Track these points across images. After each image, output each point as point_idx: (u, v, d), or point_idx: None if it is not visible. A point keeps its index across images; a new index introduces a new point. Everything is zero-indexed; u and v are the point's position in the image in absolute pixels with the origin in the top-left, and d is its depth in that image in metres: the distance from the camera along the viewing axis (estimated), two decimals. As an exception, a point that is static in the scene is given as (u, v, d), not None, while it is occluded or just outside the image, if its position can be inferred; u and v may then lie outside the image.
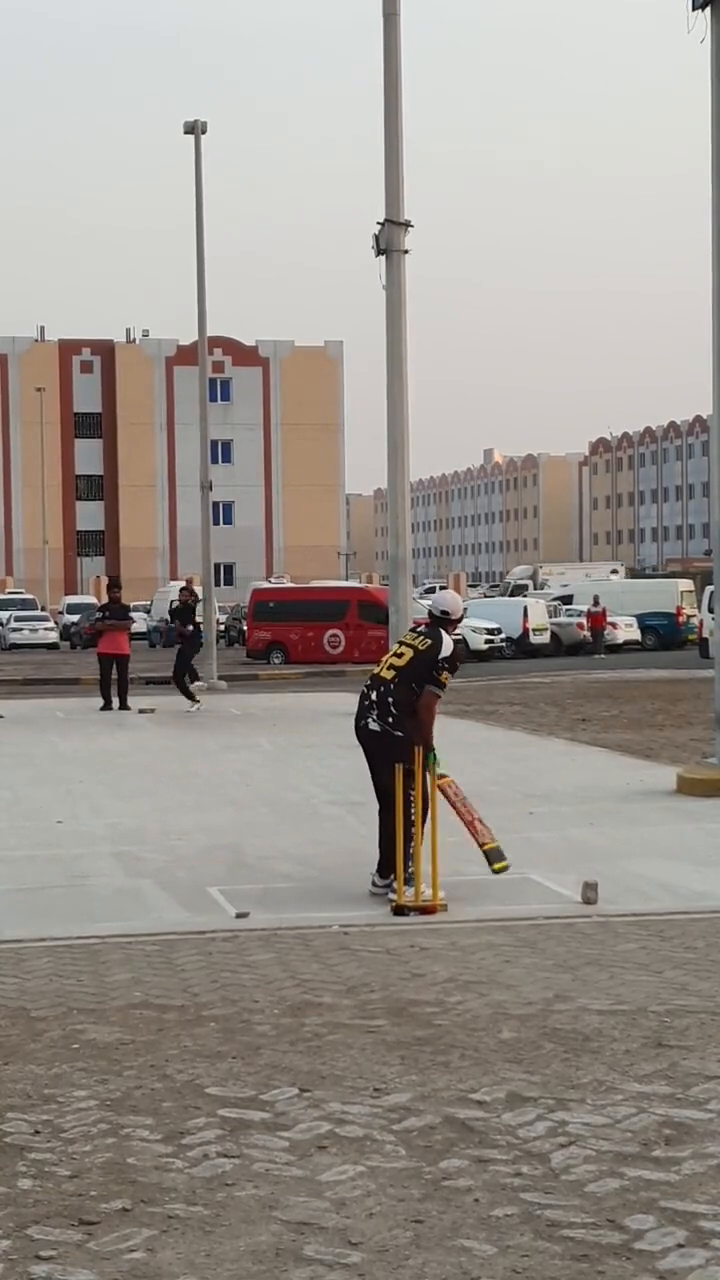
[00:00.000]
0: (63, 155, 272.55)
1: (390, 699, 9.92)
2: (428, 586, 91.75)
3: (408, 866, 9.71)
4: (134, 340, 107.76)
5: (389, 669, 10.03)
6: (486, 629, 45.76)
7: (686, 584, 55.91)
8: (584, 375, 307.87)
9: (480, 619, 46.46)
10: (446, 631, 10.11)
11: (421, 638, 10.11)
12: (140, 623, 67.78)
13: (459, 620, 10.30)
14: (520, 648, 47.28)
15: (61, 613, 68.75)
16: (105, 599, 28.72)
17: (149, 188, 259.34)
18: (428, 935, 8.87)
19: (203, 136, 35.22)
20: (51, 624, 61.94)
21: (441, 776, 9.93)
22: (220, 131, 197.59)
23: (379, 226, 24.28)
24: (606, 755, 18.01)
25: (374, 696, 10.00)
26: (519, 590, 69.28)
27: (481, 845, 10.01)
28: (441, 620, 10.20)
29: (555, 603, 55.74)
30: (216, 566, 44.31)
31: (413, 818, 9.76)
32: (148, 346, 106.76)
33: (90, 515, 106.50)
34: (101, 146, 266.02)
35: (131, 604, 42.74)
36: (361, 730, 10.10)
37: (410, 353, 24.62)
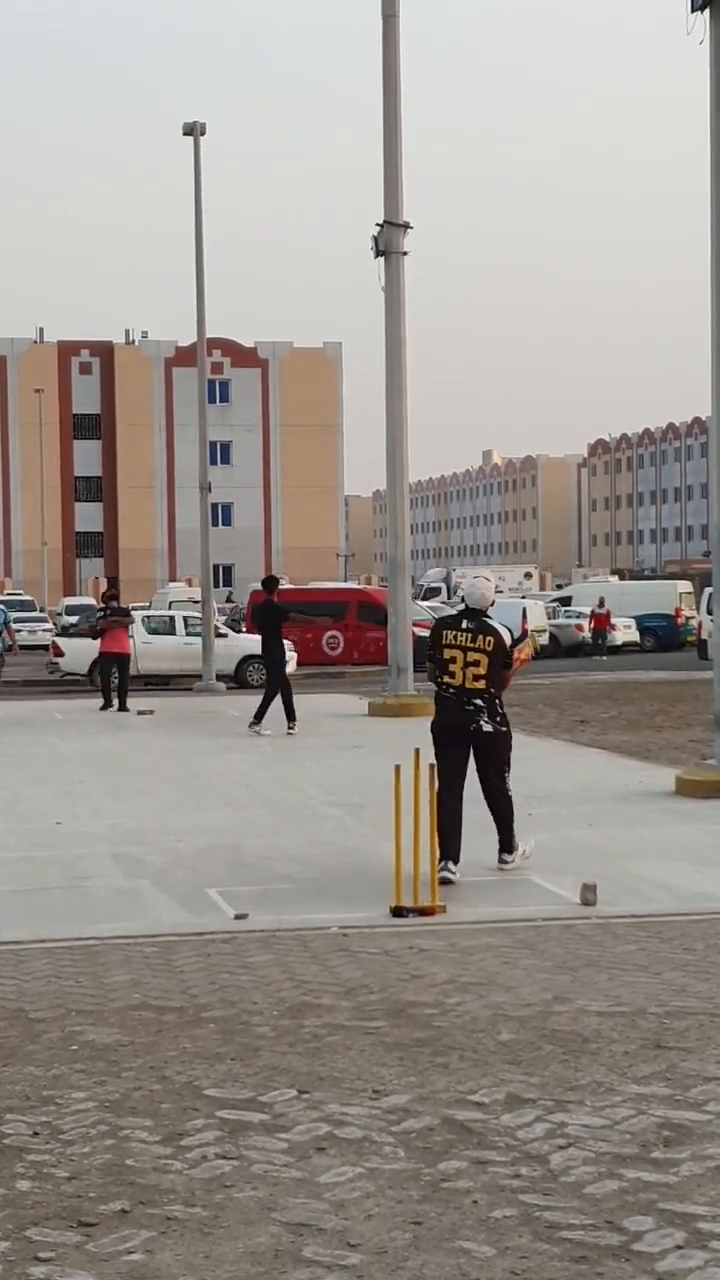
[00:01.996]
0: (63, 155, 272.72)
1: (497, 700, 10.83)
2: (427, 587, 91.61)
3: (512, 838, 10.91)
4: (133, 341, 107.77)
5: (474, 679, 10.70)
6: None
7: (685, 585, 55.91)
8: (583, 376, 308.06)
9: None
10: (488, 618, 10.93)
11: (482, 637, 10.75)
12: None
13: (493, 602, 11.14)
14: (519, 649, 47.22)
15: (60, 614, 68.71)
16: (101, 601, 28.55)
17: (149, 188, 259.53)
18: (426, 937, 8.86)
19: (202, 137, 35.24)
20: (50, 625, 61.88)
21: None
22: (220, 131, 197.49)
23: (378, 228, 24.34)
24: (605, 756, 18.01)
25: (479, 703, 10.72)
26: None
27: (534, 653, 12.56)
28: (480, 612, 10.94)
29: (554, 604, 55.73)
30: (215, 568, 44.23)
31: (511, 796, 10.93)
32: (147, 348, 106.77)
33: (89, 516, 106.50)
34: (101, 146, 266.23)
35: (130, 605, 42.71)
36: (474, 732, 10.77)
37: (410, 353, 24.67)
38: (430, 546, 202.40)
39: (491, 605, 11.05)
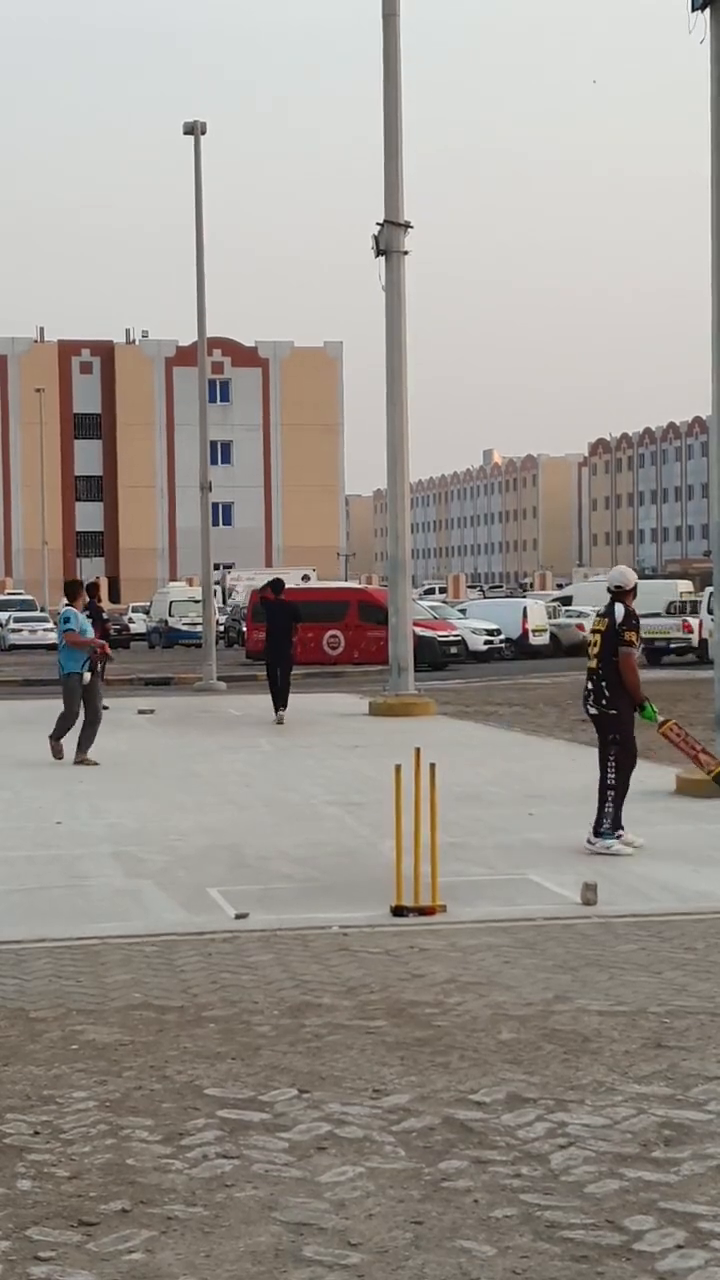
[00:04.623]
0: (63, 155, 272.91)
1: (603, 683, 11.49)
2: (427, 588, 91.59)
3: (604, 819, 11.35)
4: (133, 341, 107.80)
5: (592, 657, 11.64)
6: (486, 630, 45.76)
7: (686, 585, 55.87)
8: (583, 375, 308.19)
9: (479, 620, 46.42)
10: (623, 602, 11.57)
11: (600, 619, 11.76)
12: (139, 623, 67.83)
13: (632, 589, 11.70)
14: (520, 648, 47.24)
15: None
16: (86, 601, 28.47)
17: (149, 188, 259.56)
18: (427, 936, 8.86)
19: (203, 137, 35.23)
20: (51, 625, 61.86)
21: (662, 724, 12.26)
22: (220, 131, 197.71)
23: (379, 227, 24.34)
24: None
25: (589, 686, 11.65)
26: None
27: (710, 772, 13.37)
28: (617, 594, 11.64)
29: (555, 604, 55.73)
30: (216, 567, 44.25)
31: (611, 781, 11.40)
32: (147, 347, 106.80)
33: (90, 516, 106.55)
34: (101, 146, 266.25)
35: (131, 604, 42.69)
36: (590, 716, 11.85)
37: (410, 353, 24.67)
38: (431, 546, 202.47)
39: (632, 589, 11.69)
